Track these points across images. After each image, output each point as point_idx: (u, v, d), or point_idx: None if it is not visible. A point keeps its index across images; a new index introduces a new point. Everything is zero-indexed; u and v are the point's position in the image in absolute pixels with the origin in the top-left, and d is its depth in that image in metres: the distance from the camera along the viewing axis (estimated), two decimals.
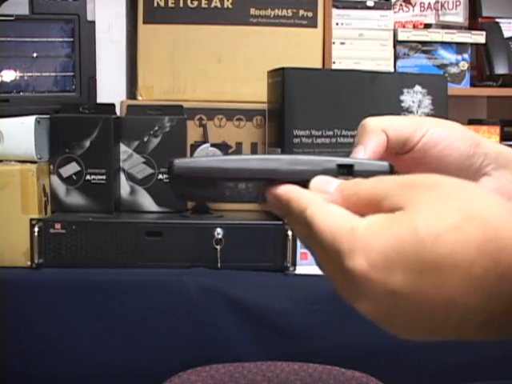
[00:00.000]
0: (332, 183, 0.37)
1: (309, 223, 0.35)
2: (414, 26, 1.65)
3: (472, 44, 1.64)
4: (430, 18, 1.68)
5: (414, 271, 0.30)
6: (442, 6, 1.67)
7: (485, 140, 0.47)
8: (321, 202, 0.36)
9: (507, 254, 0.29)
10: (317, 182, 0.37)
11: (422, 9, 1.68)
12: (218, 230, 1.18)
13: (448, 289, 0.30)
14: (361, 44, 1.59)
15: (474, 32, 1.63)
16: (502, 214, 0.31)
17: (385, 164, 0.41)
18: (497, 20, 1.67)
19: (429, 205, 0.31)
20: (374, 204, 0.34)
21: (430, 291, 0.30)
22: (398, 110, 1.35)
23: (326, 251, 0.34)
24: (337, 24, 1.57)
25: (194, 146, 1.33)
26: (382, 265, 0.31)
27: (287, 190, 0.38)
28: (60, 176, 1.28)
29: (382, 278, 0.31)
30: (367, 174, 0.38)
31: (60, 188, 1.28)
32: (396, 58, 1.60)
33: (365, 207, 0.34)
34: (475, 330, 0.31)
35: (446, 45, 1.62)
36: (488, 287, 0.30)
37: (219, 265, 1.18)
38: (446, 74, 1.60)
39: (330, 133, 1.28)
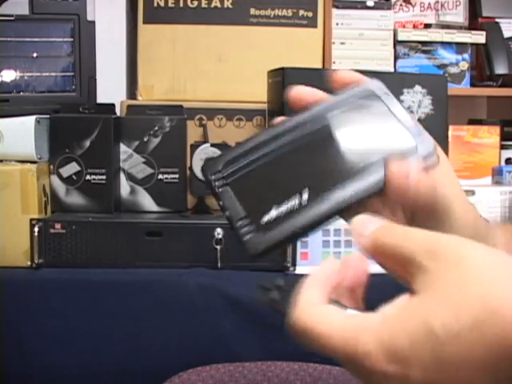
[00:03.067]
0: (371, 224, 0.35)
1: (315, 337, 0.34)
2: (414, 26, 1.65)
3: (472, 44, 1.64)
4: (430, 18, 1.68)
5: (432, 370, 0.30)
6: (442, 5, 1.67)
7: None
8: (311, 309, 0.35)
9: None
10: (358, 222, 0.36)
11: (422, 9, 1.68)
12: (218, 230, 1.18)
13: None
14: (361, 44, 1.59)
15: (474, 32, 1.63)
16: None
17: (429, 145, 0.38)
18: (497, 20, 1.67)
19: (446, 295, 0.30)
20: (398, 263, 0.33)
21: None
22: None
23: (336, 355, 0.33)
24: (337, 24, 1.57)
25: (194, 146, 1.33)
26: (397, 360, 0.30)
27: None
28: (60, 176, 1.28)
29: (398, 373, 0.30)
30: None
31: (60, 188, 1.28)
32: (396, 58, 1.60)
33: (390, 262, 0.33)
34: None
35: (445, 45, 1.62)
36: None
37: (219, 265, 1.18)
38: (446, 74, 1.60)
39: None
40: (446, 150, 1.38)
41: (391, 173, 0.39)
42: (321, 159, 0.38)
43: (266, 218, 0.35)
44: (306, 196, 0.36)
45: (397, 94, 1.36)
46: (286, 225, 0.36)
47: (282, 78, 1.25)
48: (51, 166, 1.28)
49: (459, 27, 1.66)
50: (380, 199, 0.43)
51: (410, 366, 0.30)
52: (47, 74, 1.40)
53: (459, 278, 0.30)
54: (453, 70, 1.63)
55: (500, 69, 1.61)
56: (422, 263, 0.31)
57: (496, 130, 1.58)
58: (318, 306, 0.35)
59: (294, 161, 0.38)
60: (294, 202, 0.36)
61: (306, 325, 0.35)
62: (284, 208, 0.36)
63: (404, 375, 0.30)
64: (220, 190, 0.36)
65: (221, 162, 0.37)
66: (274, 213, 0.36)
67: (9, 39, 1.37)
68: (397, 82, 1.38)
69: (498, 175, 1.52)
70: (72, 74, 1.40)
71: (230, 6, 1.48)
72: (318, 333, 0.34)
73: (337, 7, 1.57)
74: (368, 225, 0.35)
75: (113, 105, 1.33)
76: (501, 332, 0.28)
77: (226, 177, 0.36)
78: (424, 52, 1.62)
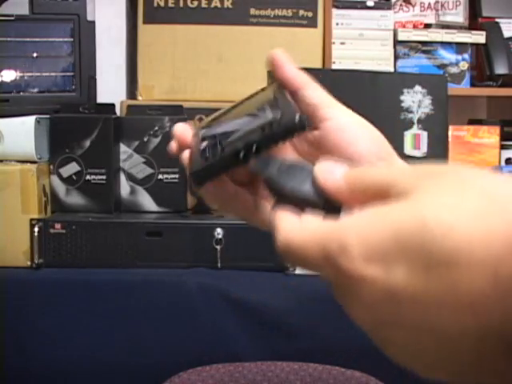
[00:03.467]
0: (337, 170, 0.32)
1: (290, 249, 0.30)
2: (414, 26, 1.65)
3: (472, 44, 1.64)
4: (430, 18, 1.68)
5: (419, 267, 0.25)
6: (442, 5, 1.67)
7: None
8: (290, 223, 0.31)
9: None
10: (321, 169, 0.32)
11: (422, 9, 1.68)
12: (218, 230, 1.18)
13: (464, 292, 0.24)
14: (361, 44, 1.59)
15: (474, 32, 1.63)
16: None
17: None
18: (497, 20, 1.67)
19: (441, 191, 0.26)
20: (381, 193, 0.28)
21: (440, 294, 0.25)
22: (398, 109, 1.35)
23: (317, 263, 0.29)
24: (337, 24, 1.57)
25: None
26: (379, 259, 0.26)
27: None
28: (60, 176, 1.28)
29: (379, 275, 0.26)
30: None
31: (60, 188, 1.28)
32: (396, 57, 1.60)
33: (372, 197, 0.29)
34: (500, 359, 0.25)
35: (446, 45, 1.62)
36: None
37: (219, 265, 1.18)
38: (446, 74, 1.60)
39: None
40: (445, 150, 1.38)
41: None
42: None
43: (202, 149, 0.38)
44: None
45: (397, 94, 1.37)
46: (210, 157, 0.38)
47: None
48: (51, 166, 1.28)
49: (459, 27, 1.66)
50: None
51: (393, 264, 0.25)
52: (47, 73, 1.40)
53: (457, 178, 0.26)
54: (453, 69, 1.63)
55: (500, 69, 1.61)
56: (411, 181, 0.28)
57: (496, 130, 1.58)
58: (292, 222, 0.31)
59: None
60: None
61: (283, 244, 0.31)
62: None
63: (385, 277, 0.26)
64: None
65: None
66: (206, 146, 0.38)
67: (9, 39, 1.37)
68: (397, 82, 1.38)
69: None
70: (72, 74, 1.40)
71: (230, 6, 1.48)
72: (295, 247, 0.30)
73: (337, 7, 1.57)
74: (334, 170, 0.32)
75: (113, 105, 1.33)
76: (507, 223, 0.24)
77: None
78: (424, 52, 1.62)
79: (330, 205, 0.31)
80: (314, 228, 0.29)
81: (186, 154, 0.42)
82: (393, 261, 0.25)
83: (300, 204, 0.32)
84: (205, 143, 0.38)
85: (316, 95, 0.42)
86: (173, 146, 0.44)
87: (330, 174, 0.32)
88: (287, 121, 0.36)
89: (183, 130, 0.43)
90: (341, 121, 0.41)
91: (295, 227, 0.30)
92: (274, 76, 0.42)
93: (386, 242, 0.26)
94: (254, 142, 0.36)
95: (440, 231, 0.24)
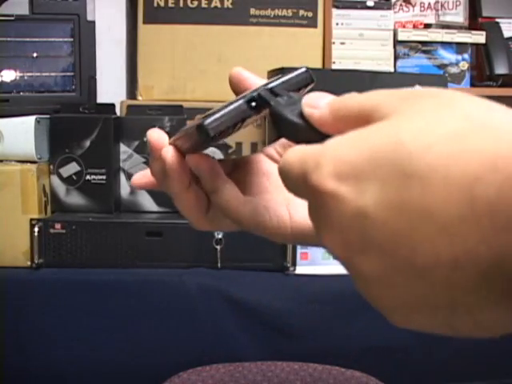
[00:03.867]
0: (324, 98, 0.31)
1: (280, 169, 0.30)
2: (414, 26, 1.65)
3: (472, 44, 1.64)
4: (430, 18, 1.68)
5: (391, 186, 0.24)
6: (442, 6, 1.67)
7: None
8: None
9: None
10: (310, 97, 0.32)
11: (422, 9, 1.68)
12: None
13: (439, 213, 0.23)
14: (361, 44, 1.59)
15: (474, 32, 1.63)
16: None
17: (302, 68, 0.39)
18: (497, 20, 1.67)
19: (420, 112, 0.25)
20: (364, 118, 0.27)
21: (413, 216, 0.23)
22: None
23: (298, 185, 0.28)
24: (337, 24, 1.57)
25: None
26: (352, 176, 0.25)
27: None
28: (60, 176, 1.28)
29: (350, 194, 0.25)
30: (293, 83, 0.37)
31: (60, 188, 1.28)
32: (396, 58, 1.60)
33: (355, 122, 0.28)
34: (472, 292, 0.24)
35: (445, 45, 1.62)
36: (498, 218, 0.22)
37: (219, 265, 1.18)
38: (446, 74, 1.60)
39: None
40: None
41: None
42: None
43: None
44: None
45: None
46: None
47: None
48: (51, 166, 1.28)
49: (459, 27, 1.66)
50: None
51: (365, 183, 0.25)
52: (47, 73, 1.40)
53: (442, 101, 0.25)
54: (453, 69, 1.63)
55: (500, 69, 1.61)
56: (394, 105, 0.27)
57: None
58: (290, 150, 0.31)
59: None
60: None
61: (279, 168, 0.30)
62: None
63: (356, 196, 0.25)
64: None
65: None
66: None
67: (9, 39, 1.37)
68: (397, 82, 1.38)
69: None
70: (72, 74, 1.40)
71: (230, 6, 1.48)
72: (282, 168, 0.29)
73: (337, 7, 1.57)
74: (321, 98, 0.31)
75: (113, 105, 1.33)
76: (495, 147, 0.23)
77: None
78: (424, 52, 1.62)
79: (317, 134, 0.31)
80: (299, 149, 0.29)
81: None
82: (365, 179, 0.25)
83: (294, 135, 0.33)
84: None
85: None
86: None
87: (315, 103, 0.31)
88: (299, 73, 0.38)
89: (159, 137, 0.42)
90: None
91: (288, 153, 0.30)
92: (238, 89, 0.42)
93: (360, 161, 0.25)
94: (268, 90, 0.36)
95: (416, 150, 0.24)
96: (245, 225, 0.40)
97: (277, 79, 0.37)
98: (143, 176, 0.45)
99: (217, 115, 0.35)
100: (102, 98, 1.44)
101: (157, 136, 0.42)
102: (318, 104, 0.31)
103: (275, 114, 0.34)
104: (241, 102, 0.36)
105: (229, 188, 0.39)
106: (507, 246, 0.22)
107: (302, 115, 0.32)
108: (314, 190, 0.26)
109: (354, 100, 0.29)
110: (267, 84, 0.37)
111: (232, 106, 0.36)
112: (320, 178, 0.26)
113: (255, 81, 0.42)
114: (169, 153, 0.40)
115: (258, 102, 0.36)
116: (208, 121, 0.35)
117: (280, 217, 0.41)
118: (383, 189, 0.24)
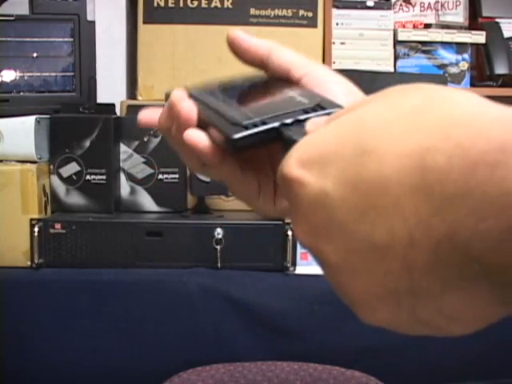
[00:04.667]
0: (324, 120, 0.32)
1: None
2: (414, 26, 1.65)
3: (472, 44, 1.64)
4: (430, 18, 1.68)
5: (351, 162, 0.24)
6: (442, 5, 1.67)
7: None
8: None
9: (484, 140, 0.22)
10: (310, 123, 0.33)
11: (422, 9, 1.68)
12: (218, 230, 1.18)
13: (392, 186, 0.23)
14: (361, 44, 1.59)
15: (474, 32, 1.63)
16: (478, 98, 0.24)
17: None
18: (497, 20, 1.67)
19: (387, 97, 0.26)
20: None
21: (368, 194, 0.24)
22: None
23: (279, 181, 0.29)
24: (337, 24, 1.57)
25: None
26: (316, 162, 0.26)
27: None
28: (60, 176, 1.28)
29: (314, 178, 0.26)
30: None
31: (60, 188, 1.28)
32: (396, 57, 1.60)
33: None
34: (431, 271, 0.23)
35: (446, 45, 1.62)
36: (448, 186, 0.22)
37: (219, 265, 1.18)
38: (446, 74, 1.60)
39: None
40: None
41: None
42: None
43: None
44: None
45: None
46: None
47: None
48: (51, 166, 1.28)
49: (459, 27, 1.66)
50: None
51: (326, 166, 0.25)
52: (47, 74, 1.40)
53: (404, 88, 0.26)
54: (453, 69, 1.63)
55: (500, 69, 1.61)
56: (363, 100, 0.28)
57: None
58: None
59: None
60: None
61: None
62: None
63: (318, 179, 0.25)
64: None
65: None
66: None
67: (9, 39, 1.37)
68: (397, 82, 1.38)
69: None
70: (72, 74, 1.40)
71: (230, 6, 1.48)
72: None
73: (337, 7, 1.57)
74: (321, 120, 0.32)
75: (113, 105, 1.33)
76: (448, 115, 0.23)
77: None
78: (424, 52, 1.62)
79: None
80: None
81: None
82: (328, 163, 0.25)
83: None
84: (232, 112, 0.38)
85: (286, 57, 0.41)
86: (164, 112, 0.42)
87: (315, 125, 0.32)
88: (329, 106, 0.36)
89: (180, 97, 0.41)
90: (315, 75, 0.40)
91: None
92: (239, 51, 0.42)
93: (325, 146, 0.26)
94: (294, 120, 0.36)
95: (376, 127, 0.24)
96: (232, 191, 0.40)
97: (315, 108, 0.37)
98: (150, 113, 0.45)
99: (248, 132, 0.36)
100: (102, 98, 1.44)
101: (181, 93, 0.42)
102: (318, 124, 0.31)
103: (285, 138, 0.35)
104: (276, 124, 0.36)
105: (225, 169, 0.39)
106: (458, 215, 0.22)
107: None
108: (283, 179, 0.27)
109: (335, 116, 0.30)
110: (304, 107, 0.37)
111: (266, 127, 0.36)
112: (287, 166, 0.27)
113: (255, 40, 0.42)
114: (187, 107, 0.39)
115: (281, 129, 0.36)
116: (237, 136, 0.35)
117: (269, 196, 0.40)
118: (343, 167, 0.25)
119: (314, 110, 0.36)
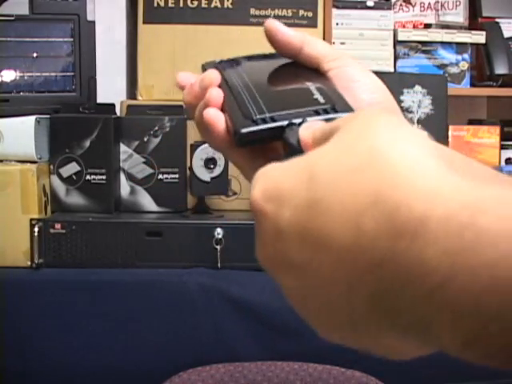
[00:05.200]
0: (315, 125, 0.34)
1: None
2: (414, 26, 1.65)
3: (472, 44, 1.64)
4: (430, 18, 1.68)
5: (301, 212, 0.26)
6: (442, 5, 1.68)
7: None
8: None
9: (406, 209, 0.24)
10: (303, 127, 0.35)
11: (422, 9, 1.68)
12: (218, 229, 1.18)
13: (331, 238, 0.25)
14: (361, 44, 1.59)
15: (474, 32, 1.63)
16: (418, 160, 0.25)
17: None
18: (497, 20, 1.67)
19: (338, 144, 0.28)
20: (327, 139, 0.30)
21: (314, 239, 0.26)
22: None
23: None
24: (337, 24, 1.57)
25: (194, 146, 1.33)
26: (275, 197, 0.28)
27: None
28: (60, 176, 1.28)
29: (273, 212, 0.28)
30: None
31: (60, 188, 1.28)
32: (396, 57, 1.60)
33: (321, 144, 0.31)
34: (367, 314, 0.26)
35: (446, 45, 1.62)
36: (375, 253, 0.24)
37: (219, 265, 1.18)
38: (446, 74, 1.60)
39: None
40: None
41: None
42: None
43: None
44: None
45: (397, 94, 1.37)
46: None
47: None
48: (51, 166, 1.28)
49: (459, 27, 1.66)
50: None
51: (285, 202, 0.27)
52: (47, 74, 1.40)
53: (360, 131, 0.28)
54: (453, 69, 1.63)
55: (500, 69, 1.61)
56: (338, 125, 0.29)
57: (496, 130, 1.58)
58: None
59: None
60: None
61: None
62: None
63: (276, 213, 0.27)
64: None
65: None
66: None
67: (9, 39, 1.37)
68: (397, 82, 1.38)
69: None
70: (72, 74, 1.40)
71: (230, 6, 1.48)
72: None
73: (337, 7, 1.58)
74: (313, 125, 0.34)
75: (113, 105, 1.33)
76: (382, 180, 0.25)
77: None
78: (424, 52, 1.62)
79: None
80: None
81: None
82: (283, 201, 0.27)
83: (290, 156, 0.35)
84: (248, 102, 0.38)
85: (318, 49, 0.42)
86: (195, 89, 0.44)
87: (307, 129, 0.33)
88: (341, 109, 0.37)
89: (214, 77, 0.43)
90: (343, 70, 0.41)
91: None
92: (273, 42, 0.43)
93: (281, 183, 0.28)
94: (302, 120, 0.36)
95: (322, 184, 0.26)
96: (245, 177, 0.42)
97: (327, 109, 0.37)
98: (187, 78, 0.47)
99: (256, 128, 0.37)
100: (102, 98, 1.44)
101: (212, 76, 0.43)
102: (309, 131, 0.33)
103: (285, 139, 0.36)
104: (284, 123, 0.36)
105: (236, 155, 0.41)
106: (385, 277, 0.24)
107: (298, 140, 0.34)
108: (250, 203, 0.29)
109: (324, 124, 0.32)
110: (301, 111, 0.37)
111: (274, 125, 0.36)
112: (253, 195, 0.29)
113: (289, 32, 0.43)
114: (216, 94, 0.41)
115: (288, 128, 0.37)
116: (244, 131, 0.37)
117: None
118: (295, 211, 0.27)
119: (325, 111, 0.36)
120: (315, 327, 0.30)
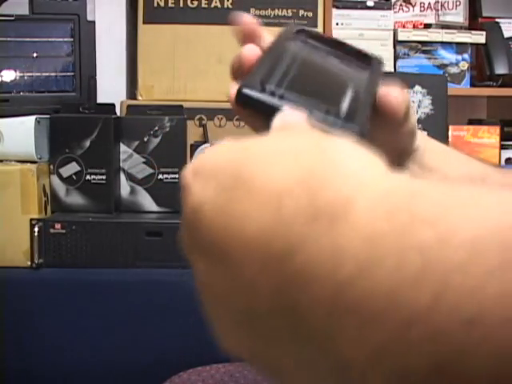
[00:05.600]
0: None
1: None
2: (414, 26, 1.65)
3: (472, 44, 1.64)
4: (430, 18, 1.68)
5: (226, 190, 0.25)
6: (442, 5, 1.68)
7: None
8: None
9: (333, 188, 0.22)
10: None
11: (422, 9, 1.68)
12: None
13: (250, 221, 0.23)
14: (361, 44, 1.58)
15: (474, 32, 1.63)
16: (349, 154, 0.24)
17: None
18: (497, 20, 1.67)
19: (284, 135, 0.28)
20: None
21: (230, 217, 0.24)
22: None
23: None
24: (337, 24, 1.57)
25: (194, 146, 1.33)
26: (203, 173, 0.26)
27: None
28: (60, 176, 1.28)
29: (197, 188, 0.26)
30: None
31: (60, 188, 1.28)
32: (396, 57, 1.60)
33: None
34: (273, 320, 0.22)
35: (446, 45, 1.62)
36: (293, 236, 0.21)
37: None
38: (446, 74, 1.60)
39: None
40: None
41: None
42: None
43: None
44: None
45: None
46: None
47: None
48: (51, 166, 1.28)
49: (459, 27, 1.66)
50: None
51: (209, 181, 0.26)
52: (47, 74, 1.40)
53: (310, 134, 0.27)
54: (453, 70, 1.63)
55: (500, 69, 1.61)
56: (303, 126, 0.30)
57: (496, 129, 1.58)
58: None
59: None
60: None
61: None
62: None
63: (199, 191, 0.26)
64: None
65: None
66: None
67: (9, 39, 1.37)
68: (397, 82, 1.38)
69: None
70: (72, 74, 1.40)
71: (230, 6, 1.48)
72: None
73: (337, 7, 1.58)
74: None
75: (113, 105, 1.33)
76: (312, 164, 0.23)
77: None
78: (424, 52, 1.62)
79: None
80: None
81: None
82: (210, 177, 0.26)
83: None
84: (276, 71, 0.37)
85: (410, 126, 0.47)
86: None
87: (283, 116, 0.32)
88: (347, 123, 0.35)
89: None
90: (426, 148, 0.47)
91: None
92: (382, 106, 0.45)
93: (214, 160, 0.26)
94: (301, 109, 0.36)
95: (254, 157, 0.25)
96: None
97: (338, 116, 0.35)
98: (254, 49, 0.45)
99: (257, 95, 0.34)
100: (102, 98, 1.44)
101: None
102: (288, 118, 0.32)
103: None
104: (282, 104, 0.34)
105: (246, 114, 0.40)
106: (287, 274, 0.21)
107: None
108: (180, 180, 0.28)
109: (301, 120, 0.32)
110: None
111: (273, 102, 0.34)
112: (184, 170, 0.28)
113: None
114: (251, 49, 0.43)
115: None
116: (245, 91, 0.35)
117: None
118: (220, 188, 0.25)
119: (336, 115, 0.34)
120: (213, 325, 0.28)
